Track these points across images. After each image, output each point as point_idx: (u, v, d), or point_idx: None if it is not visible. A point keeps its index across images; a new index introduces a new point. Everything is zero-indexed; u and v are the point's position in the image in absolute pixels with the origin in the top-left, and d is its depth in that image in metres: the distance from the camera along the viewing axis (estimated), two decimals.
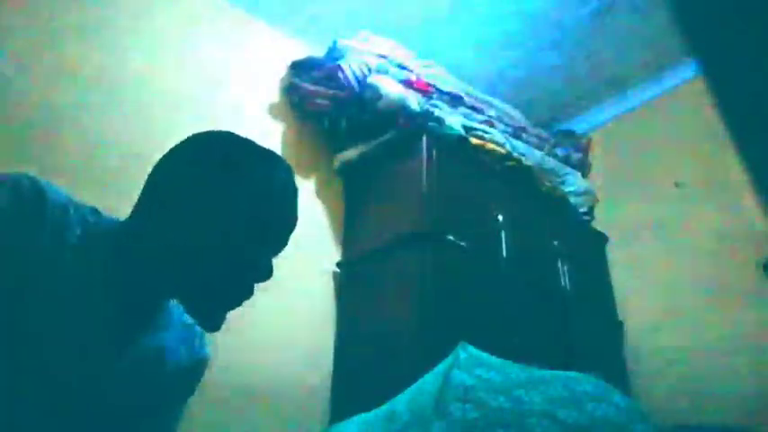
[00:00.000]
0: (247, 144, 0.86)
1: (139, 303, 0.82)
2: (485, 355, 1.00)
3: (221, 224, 0.78)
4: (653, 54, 2.66)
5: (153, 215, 0.80)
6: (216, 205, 0.79)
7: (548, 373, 0.99)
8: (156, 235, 0.79)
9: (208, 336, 0.98)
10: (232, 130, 0.88)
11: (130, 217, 0.83)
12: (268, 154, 0.87)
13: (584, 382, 0.94)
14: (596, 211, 2.77)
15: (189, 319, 0.93)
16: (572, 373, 1.00)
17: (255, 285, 0.83)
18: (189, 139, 0.86)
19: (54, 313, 0.73)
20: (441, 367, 1.02)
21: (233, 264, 0.79)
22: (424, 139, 2.15)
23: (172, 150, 0.85)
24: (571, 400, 0.86)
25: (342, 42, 2.38)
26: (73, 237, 0.75)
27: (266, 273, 0.82)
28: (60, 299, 0.73)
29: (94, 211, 0.81)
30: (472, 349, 1.02)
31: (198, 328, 0.96)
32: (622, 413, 0.87)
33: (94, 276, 0.76)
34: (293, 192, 0.86)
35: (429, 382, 0.99)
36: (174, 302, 0.91)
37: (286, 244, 0.86)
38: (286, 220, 0.85)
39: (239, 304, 0.82)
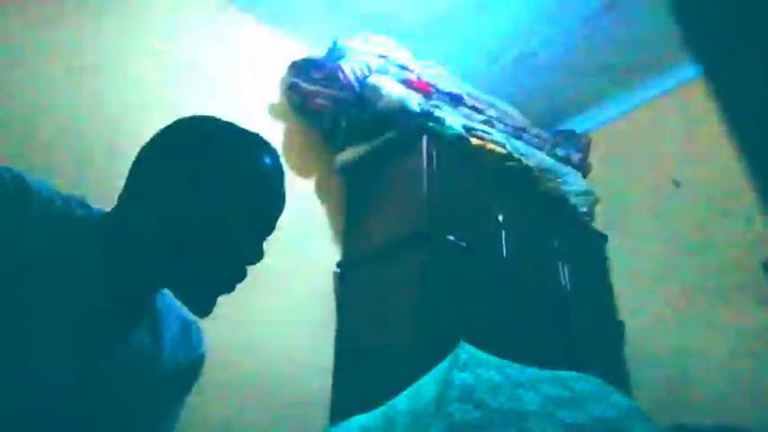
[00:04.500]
0: (231, 127, 0.85)
1: (131, 295, 0.81)
2: (485, 355, 1.00)
3: (207, 208, 0.78)
4: (653, 54, 2.66)
5: (139, 203, 0.79)
6: (201, 189, 0.78)
7: (548, 373, 0.99)
8: (144, 222, 0.78)
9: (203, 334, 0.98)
10: None
11: (117, 206, 0.82)
12: (252, 136, 0.86)
13: (585, 382, 0.94)
14: (596, 211, 2.77)
15: (187, 316, 0.93)
16: (572, 373, 1.00)
17: (249, 271, 0.82)
18: (172, 124, 0.85)
19: (42, 308, 0.72)
20: (441, 367, 1.02)
21: (222, 247, 0.79)
22: (424, 139, 2.15)
23: (155, 137, 0.84)
24: (571, 399, 0.87)
25: (342, 42, 2.38)
26: (60, 229, 0.74)
27: (256, 255, 0.82)
28: (48, 293, 0.72)
29: (83, 203, 0.81)
30: (472, 349, 1.02)
31: (195, 326, 0.95)
32: (623, 413, 0.87)
33: (84, 269, 0.76)
34: (279, 173, 0.85)
35: (429, 382, 0.99)
36: (172, 298, 0.91)
37: (275, 226, 0.85)
38: (273, 202, 0.84)
39: (232, 288, 0.81)
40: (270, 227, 0.85)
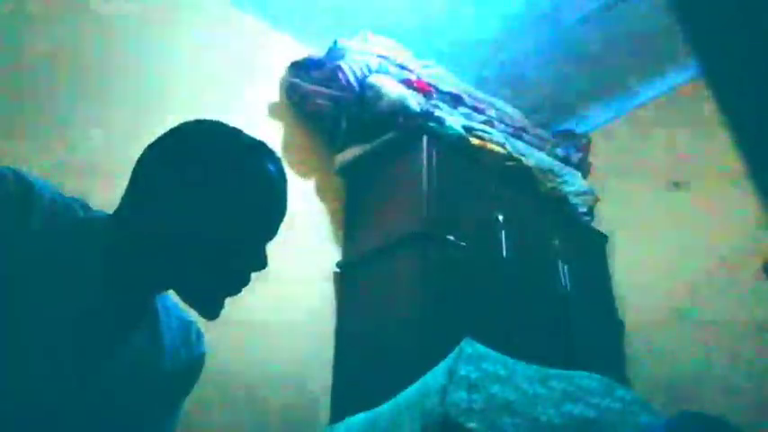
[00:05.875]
0: (234, 132, 0.85)
1: (132, 297, 0.81)
2: (490, 351, 1.00)
3: (209, 213, 0.78)
4: (653, 54, 2.66)
5: (142, 206, 0.79)
6: (202, 194, 0.78)
7: (552, 370, 0.99)
8: (146, 226, 0.78)
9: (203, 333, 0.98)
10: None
11: (119, 209, 0.82)
12: (255, 143, 0.85)
13: (588, 379, 0.95)
14: (596, 211, 2.77)
15: (186, 316, 0.93)
16: (576, 372, 1.00)
17: (253, 274, 0.82)
18: (175, 128, 0.84)
19: (42, 308, 0.72)
20: (445, 362, 1.02)
21: (224, 253, 0.78)
22: (424, 139, 2.15)
23: (158, 139, 0.84)
24: (577, 394, 0.87)
25: (342, 42, 2.37)
26: (62, 230, 0.74)
27: (261, 261, 0.82)
28: (49, 293, 0.72)
29: (85, 204, 0.80)
30: (477, 345, 1.02)
31: (195, 327, 0.95)
32: (627, 406, 0.87)
33: (85, 270, 0.75)
34: (282, 179, 0.85)
35: (434, 376, 1.00)
36: (171, 299, 0.91)
37: (276, 232, 0.85)
38: (274, 209, 0.84)
39: (237, 292, 0.81)
40: (271, 233, 0.85)
